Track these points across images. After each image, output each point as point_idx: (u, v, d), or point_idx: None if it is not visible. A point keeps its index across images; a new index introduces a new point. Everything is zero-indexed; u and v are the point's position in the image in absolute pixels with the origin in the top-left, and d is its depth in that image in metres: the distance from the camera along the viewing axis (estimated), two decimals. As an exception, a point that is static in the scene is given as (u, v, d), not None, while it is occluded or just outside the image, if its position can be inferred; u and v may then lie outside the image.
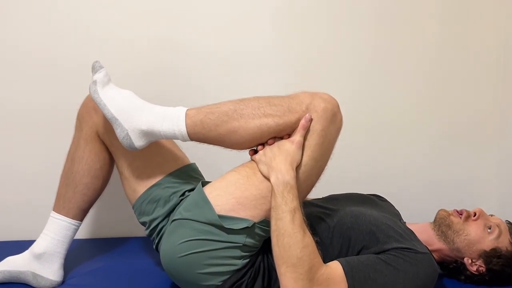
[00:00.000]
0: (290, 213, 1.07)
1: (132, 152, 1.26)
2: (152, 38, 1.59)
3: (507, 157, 1.73)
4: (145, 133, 1.17)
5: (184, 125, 1.15)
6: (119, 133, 1.17)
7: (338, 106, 1.16)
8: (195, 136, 1.17)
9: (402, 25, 1.71)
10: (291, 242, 1.06)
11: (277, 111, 1.15)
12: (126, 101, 1.18)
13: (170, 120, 1.16)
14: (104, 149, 1.31)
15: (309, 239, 1.08)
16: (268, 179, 1.13)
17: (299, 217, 1.08)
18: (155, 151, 1.29)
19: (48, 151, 1.58)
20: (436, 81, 1.73)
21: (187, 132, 1.16)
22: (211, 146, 1.59)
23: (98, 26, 1.57)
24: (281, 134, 1.17)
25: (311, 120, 1.13)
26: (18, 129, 1.58)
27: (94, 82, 1.18)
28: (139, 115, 1.16)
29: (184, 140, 1.18)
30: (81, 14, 1.55)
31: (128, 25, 1.58)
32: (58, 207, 1.29)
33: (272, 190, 1.11)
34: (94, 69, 1.21)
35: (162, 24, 1.59)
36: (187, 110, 1.17)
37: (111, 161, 1.33)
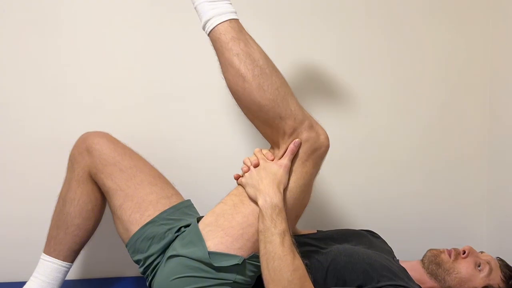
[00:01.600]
0: (280, 236, 1.07)
1: (125, 192, 1.26)
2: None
3: (496, 192, 1.74)
4: None
5: (218, 22, 1.14)
6: None
7: (328, 146, 1.18)
8: (213, 36, 1.15)
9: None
10: (281, 265, 1.05)
11: (284, 105, 1.14)
12: None
13: (218, 10, 1.15)
14: (96, 189, 1.30)
15: (299, 262, 1.07)
16: (255, 202, 1.13)
17: (288, 239, 1.08)
18: (148, 190, 1.29)
19: (38, 192, 1.57)
20: (427, 118, 1.75)
21: (212, 27, 1.15)
22: (205, 183, 1.63)
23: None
24: (263, 117, 1.16)
25: (300, 145, 1.15)
26: (10, 171, 1.58)
27: None
28: None
29: (204, 28, 1.17)
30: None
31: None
32: (49, 249, 1.28)
33: (260, 213, 1.11)
34: None
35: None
36: (229, 21, 1.15)
37: (103, 202, 1.33)
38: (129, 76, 1.60)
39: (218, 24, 1.14)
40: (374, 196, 1.76)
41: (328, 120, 1.62)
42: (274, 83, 1.14)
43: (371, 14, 1.69)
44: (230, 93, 1.18)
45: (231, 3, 1.18)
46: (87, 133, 1.33)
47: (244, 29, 1.18)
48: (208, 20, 1.15)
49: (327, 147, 1.18)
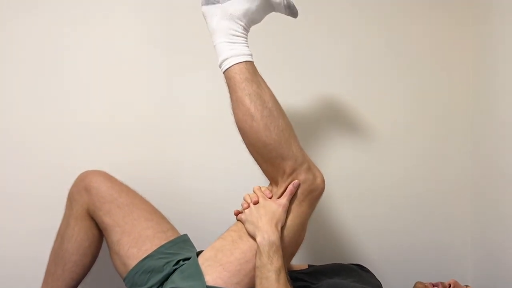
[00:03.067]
0: (276, 272, 1.10)
1: (122, 228, 1.29)
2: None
3: (480, 228, 1.76)
4: (227, 15, 1.22)
5: (235, 62, 1.21)
6: None
7: (323, 189, 1.23)
8: (228, 74, 1.22)
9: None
10: None
11: (287, 146, 1.20)
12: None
13: (240, 47, 1.22)
14: (94, 226, 1.33)
15: None
16: (254, 238, 1.17)
17: (284, 276, 1.11)
18: (145, 225, 1.32)
19: (36, 230, 1.58)
20: (409, 155, 1.79)
21: (229, 66, 1.21)
22: (205, 217, 1.66)
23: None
24: (267, 156, 1.21)
25: (299, 186, 1.19)
26: (8, 207, 1.60)
27: None
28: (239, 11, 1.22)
29: (220, 65, 1.23)
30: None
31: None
32: (46, 286, 1.30)
33: (257, 250, 1.14)
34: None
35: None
36: (244, 62, 1.22)
37: (100, 238, 1.35)
38: (125, 111, 1.64)
39: (235, 64, 1.21)
40: (363, 230, 1.78)
41: (320, 156, 1.70)
42: (280, 125, 1.20)
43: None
44: (237, 128, 1.23)
45: (248, 46, 1.25)
46: (85, 172, 1.36)
47: (257, 72, 1.25)
48: (226, 59, 1.22)
49: (323, 189, 1.23)
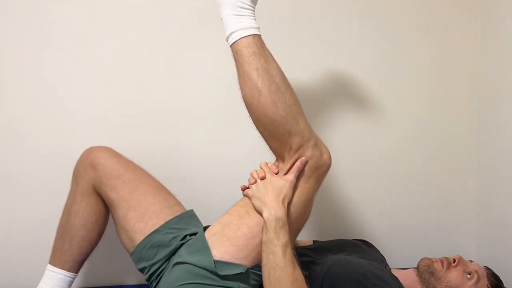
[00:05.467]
0: (282, 248, 1.12)
1: (128, 203, 1.30)
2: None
3: (483, 205, 1.80)
4: None
5: (242, 36, 1.20)
6: None
7: (330, 164, 1.24)
8: (235, 48, 1.20)
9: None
10: (282, 276, 1.10)
11: (295, 121, 1.20)
12: None
13: (243, 24, 1.20)
14: (100, 202, 1.34)
15: (299, 273, 1.13)
16: (260, 214, 1.18)
17: (290, 251, 1.13)
18: (151, 201, 1.33)
19: (43, 205, 1.60)
20: (415, 135, 1.81)
21: (236, 40, 1.20)
22: (211, 191, 1.68)
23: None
24: (274, 131, 1.21)
25: (306, 163, 1.20)
26: (18, 185, 1.62)
27: None
28: None
29: (228, 38, 1.21)
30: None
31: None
32: (54, 260, 1.32)
33: (264, 225, 1.16)
34: None
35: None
36: (252, 36, 1.20)
37: (107, 213, 1.36)
38: (130, 90, 1.64)
39: (242, 38, 1.20)
40: (368, 206, 1.81)
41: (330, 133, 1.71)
42: (287, 100, 1.19)
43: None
44: (244, 103, 1.23)
45: (255, 19, 1.23)
46: (91, 148, 1.37)
47: (265, 45, 1.23)
48: (233, 32, 1.21)
49: (329, 165, 1.24)
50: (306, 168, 1.21)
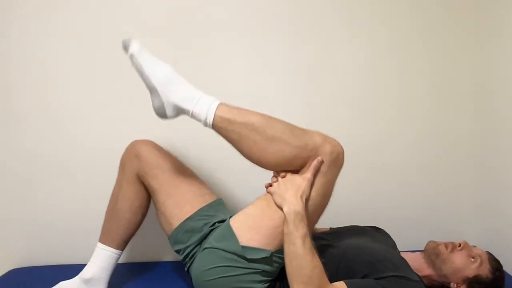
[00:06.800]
0: (301, 239, 1.21)
1: (167, 191, 1.42)
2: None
3: (483, 198, 1.89)
4: (178, 108, 1.26)
5: (213, 115, 1.25)
6: (155, 103, 1.26)
7: (343, 152, 1.30)
8: (217, 128, 1.26)
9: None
10: (303, 263, 1.20)
11: (296, 142, 1.27)
12: (165, 74, 1.25)
13: (203, 105, 1.25)
14: (143, 189, 1.47)
15: (317, 261, 1.22)
16: (281, 208, 1.27)
17: (308, 242, 1.22)
18: (186, 189, 1.45)
19: (97, 190, 1.71)
20: (422, 125, 1.90)
21: (213, 122, 1.25)
22: (237, 182, 1.74)
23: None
24: (289, 164, 1.29)
25: (322, 162, 1.28)
26: (72, 174, 1.75)
27: (132, 56, 1.24)
28: (176, 91, 1.25)
29: (206, 126, 1.27)
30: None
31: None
32: (104, 239, 1.45)
33: (284, 219, 1.24)
34: (125, 46, 1.26)
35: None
36: (220, 103, 1.26)
37: (149, 199, 1.49)
38: None
39: (212, 118, 1.26)
40: (378, 196, 1.90)
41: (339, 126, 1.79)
42: (279, 136, 1.25)
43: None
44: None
45: (204, 94, 1.27)
46: (135, 141, 1.50)
47: (229, 105, 1.28)
48: (201, 119, 1.27)
49: (342, 152, 1.29)
50: (322, 165, 1.28)
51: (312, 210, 1.30)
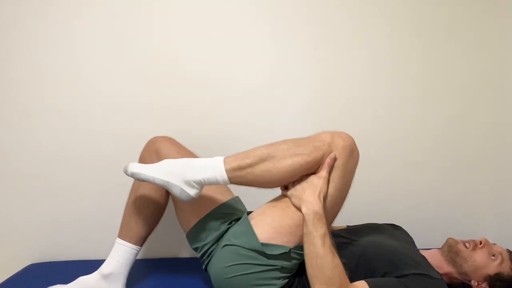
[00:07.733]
0: (321, 238, 1.21)
1: None
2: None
3: (499, 191, 1.91)
4: (193, 184, 1.29)
5: (224, 171, 1.27)
6: (174, 191, 1.29)
7: (354, 142, 1.31)
8: (234, 179, 1.29)
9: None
10: (323, 263, 1.19)
11: (305, 150, 1.28)
12: (167, 167, 1.29)
13: (210, 169, 1.28)
14: (162, 186, 1.48)
15: (338, 260, 1.21)
16: (299, 210, 1.27)
17: (328, 241, 1.22)
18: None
19: (115, 187, 1.73)
20: (442, 125, 1.91)
21: (228, 177, 1.28)
22: None
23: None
24: (310, 170, 1.30)
25: (335, 158, 1.28)
26: (91, 173, 1.77)
27: (133, 174, 1.29)
28: (184, 172, 1.28)
29: (225, 183, 1.30)
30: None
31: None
32: (123, 235, 1.44)
33: (303, 219, 1.25)
34: (125, 171, 1.31)
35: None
36: (224, 158, 1.29)
37: (167, 196, 1.48)
38: (190, 83, 1.76)
39: (226, 175, 1.27)
40: (396, 193, 1.91)
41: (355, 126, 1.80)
42: (290, 156, 1.28)
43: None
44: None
45: (203, 160, 1.31)
46: (155, 137, 1.51)
47: (232, 154, 1.30)
48: (217, 180, 1.28)
49: (353, 142, 1.30)
50: (337, 160, 1.29)
51: (331, 206, 1.30)
